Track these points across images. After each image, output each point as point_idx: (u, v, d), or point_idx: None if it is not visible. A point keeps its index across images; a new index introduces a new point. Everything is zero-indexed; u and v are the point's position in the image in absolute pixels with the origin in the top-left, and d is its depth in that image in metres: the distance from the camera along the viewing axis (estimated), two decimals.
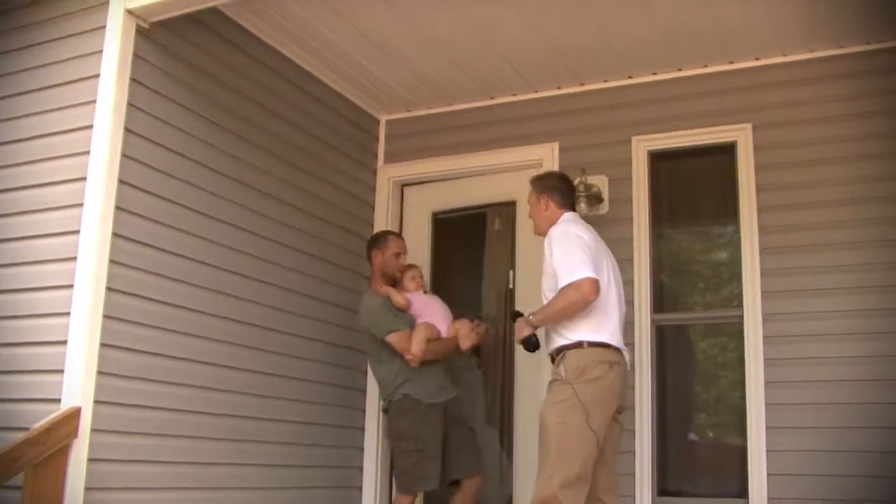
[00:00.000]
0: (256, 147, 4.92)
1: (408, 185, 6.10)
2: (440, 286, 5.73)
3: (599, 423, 3.96)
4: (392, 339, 4.88)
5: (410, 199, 6.15)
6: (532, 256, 5.32)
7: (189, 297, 4.37)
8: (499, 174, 5.76)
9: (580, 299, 3.98)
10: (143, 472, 4.07)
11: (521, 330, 4.24)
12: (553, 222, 4.34)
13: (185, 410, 4.30)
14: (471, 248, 6.15)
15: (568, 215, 4.40)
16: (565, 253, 4.08)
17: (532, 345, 4.24)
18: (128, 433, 4.00)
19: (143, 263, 4.13)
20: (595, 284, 3.97)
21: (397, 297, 5.02)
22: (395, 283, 5.16)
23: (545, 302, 4.20)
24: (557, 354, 4.10)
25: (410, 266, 5.22)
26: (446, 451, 4.96)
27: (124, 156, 4.06)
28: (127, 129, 4.08)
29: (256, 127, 4.93)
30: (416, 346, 4.84)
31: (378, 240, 5.28)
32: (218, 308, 4.55)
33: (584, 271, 3.99)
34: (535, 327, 4.21)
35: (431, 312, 5.08)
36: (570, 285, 3.99)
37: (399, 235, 5.49)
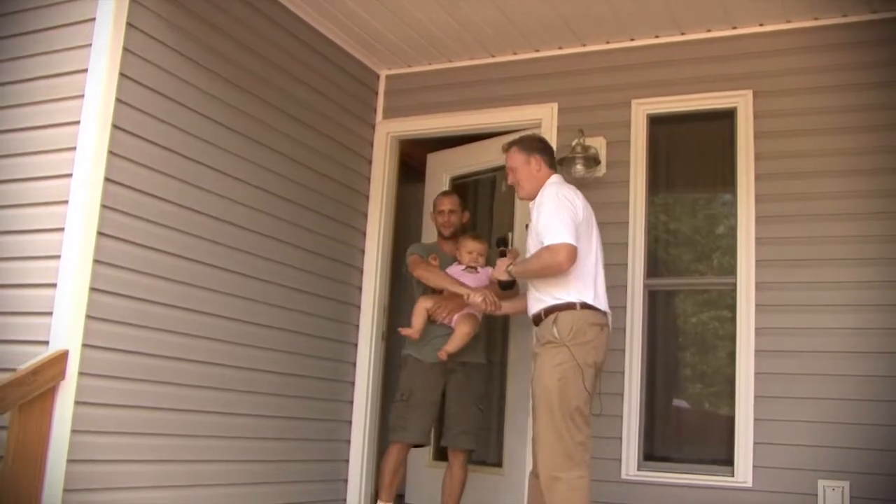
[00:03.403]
0: (252, 96, 4.88)
1: (406, 140, 6.11)
2: None
3: (591, 383, 4.00)
4: (410, 258, 5.12)
5: (432, 164, 6.30)
6: (525, 218, 5.31)
7: (179, 243, 4.36)
8: (505, 136, 5.70)
9: (554, 264, 3.97)
10: (128, 417, 4.08)
11: (500, 273, 4.31)
12: (542, 184, 4.29)
13: (172, 357, 4.30)
14: (483, 210, 6.26)
15: (555, 178, 4.33)
16: (552, 215, 4.03)
17: (508, 286, 4.42)
18: (115, 377, 4.00)
19: (134, 209, 4.11)
20: (572, 252, 3.93)
21: (431, 261, 5.07)
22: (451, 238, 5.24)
23: None
24: (546, 316, 4.07)
25: (473, 239, 5.07)
26: (445, 414, 4.99)
27: (118, 100, 4.02)
28: (122, 74, 4.04)
29: (253, 76, 4.89)
30: (414, 320, 4.95)
31: (433, 202, 5.43)
32: (208, 256, 4.54)
33: (564, 236, 3.94)
34: (512, 277, 4.28)
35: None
36: (548, 248, 3.97)
37: (447, 193, 5.52)
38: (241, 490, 4.75)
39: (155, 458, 4.22)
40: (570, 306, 4.01)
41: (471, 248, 5.01)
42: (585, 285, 4.06)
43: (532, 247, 4.18)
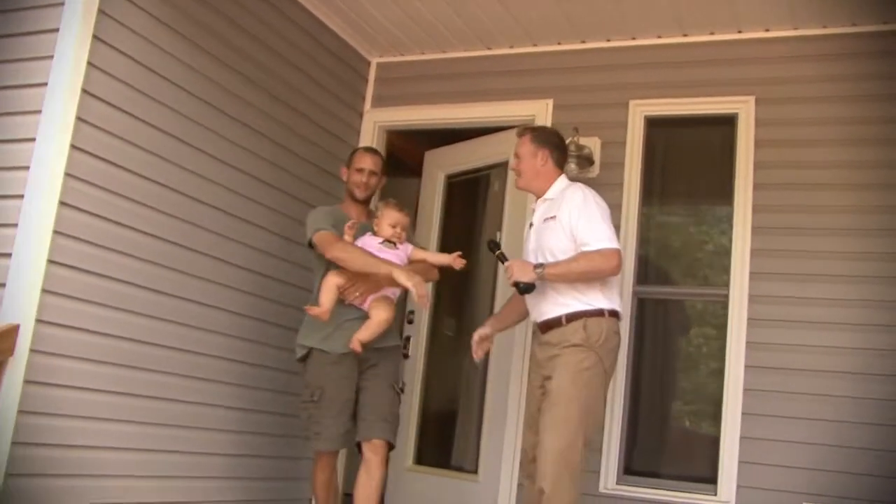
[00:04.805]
0: (236, 73, 4.68)
1: (395, 131, 5.93)
2: (449, 244, 5.53)
3: (608, 389, 4.04)
4: (318, 236, 4.28)
5: (429, 162, 6.14)
6: (515, 217, 5.17)
7: (148, 220, 4.15)
8: (501, 132, 5.56)
9: (607, 269, 3.90)
10: (83, 400, 3.86)
11: (526, 273, 3.93)
12: (548, 181, 4.18)
13: (130, 339, 4.08)
14: (477, 209, 6.08)
15: (565, 178, 4.23)
16: (596, 219, 3.94)
17: (528, 290, 3.95)
18: (70, 357, 3.78)
19: (101, 179, 3.90)
20: (621, 260, 3.93)
21: (347, 232, 4.30)
22: (362, 203, 4.59)
23: (551, 261, 3.97)
24: (568, 321, 3.92)
25: (398, 210, 4.35)
26: (359, 405, 4.33)
27: (90, 64, 3.81)
28: (96, 37, 3.83)
29: (238, 52, 4.70)
30: (322, 297, 4.20)
31: (350, 155, 4.73)
32: (175, 234, 4.32)
33: (615, 242, 3.93)
34: (542, 279, 3.92)
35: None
36: (599, 252, 3.88)
37: (370, 150, 4.78)
38: (202, 484, 4.55)
39: (110, 444, 4.00)
40: (599, 313, 3.93)
41: (394, 220, 4.32)
42: (613, 293, 4.04)
43: (555, 247, 3.98)
